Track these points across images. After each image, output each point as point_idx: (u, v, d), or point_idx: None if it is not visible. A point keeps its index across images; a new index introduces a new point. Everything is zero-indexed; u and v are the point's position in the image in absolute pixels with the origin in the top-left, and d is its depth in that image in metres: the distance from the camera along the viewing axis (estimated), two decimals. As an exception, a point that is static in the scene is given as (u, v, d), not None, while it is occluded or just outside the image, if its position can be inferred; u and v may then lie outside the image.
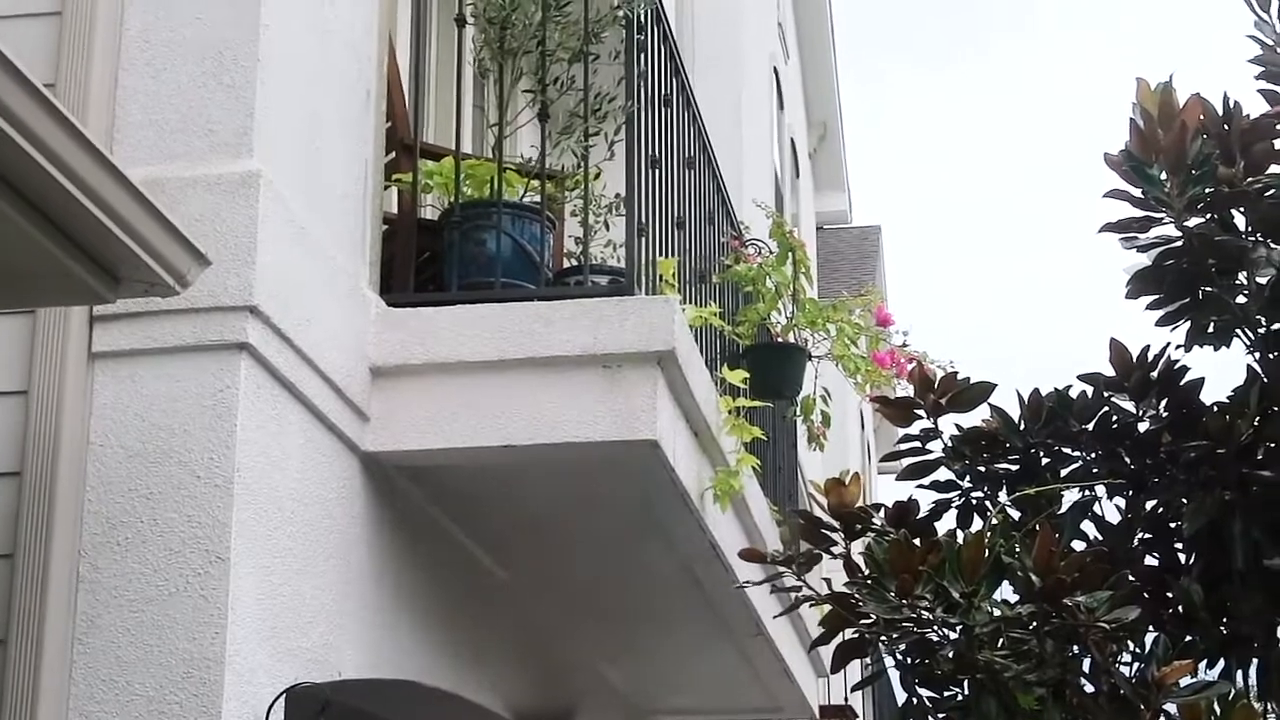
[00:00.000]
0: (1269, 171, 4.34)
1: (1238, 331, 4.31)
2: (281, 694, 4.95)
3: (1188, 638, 4.02)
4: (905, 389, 7.87)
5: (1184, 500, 4.24)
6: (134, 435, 4.87)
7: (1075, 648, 3.75)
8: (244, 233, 4.88)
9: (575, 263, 6.50)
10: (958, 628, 3.65)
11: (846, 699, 14.77)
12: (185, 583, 4.73)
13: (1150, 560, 4.26)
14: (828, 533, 4.53)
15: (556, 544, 6.76)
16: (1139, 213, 4.21)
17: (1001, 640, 3.61)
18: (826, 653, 4.90)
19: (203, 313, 4.90)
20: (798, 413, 7.94)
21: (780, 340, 7.75)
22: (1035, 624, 3.62)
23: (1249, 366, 4.41)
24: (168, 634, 4.70)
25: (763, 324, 7.67)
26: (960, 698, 3.92)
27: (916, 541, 3.74)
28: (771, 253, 7.81)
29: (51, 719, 4.61)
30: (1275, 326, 4.26)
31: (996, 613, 3.59)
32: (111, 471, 4.85)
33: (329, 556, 5.42)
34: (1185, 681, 3.56)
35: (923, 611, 3.65)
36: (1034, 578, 3.57)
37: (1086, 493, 4.21)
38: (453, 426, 5.64)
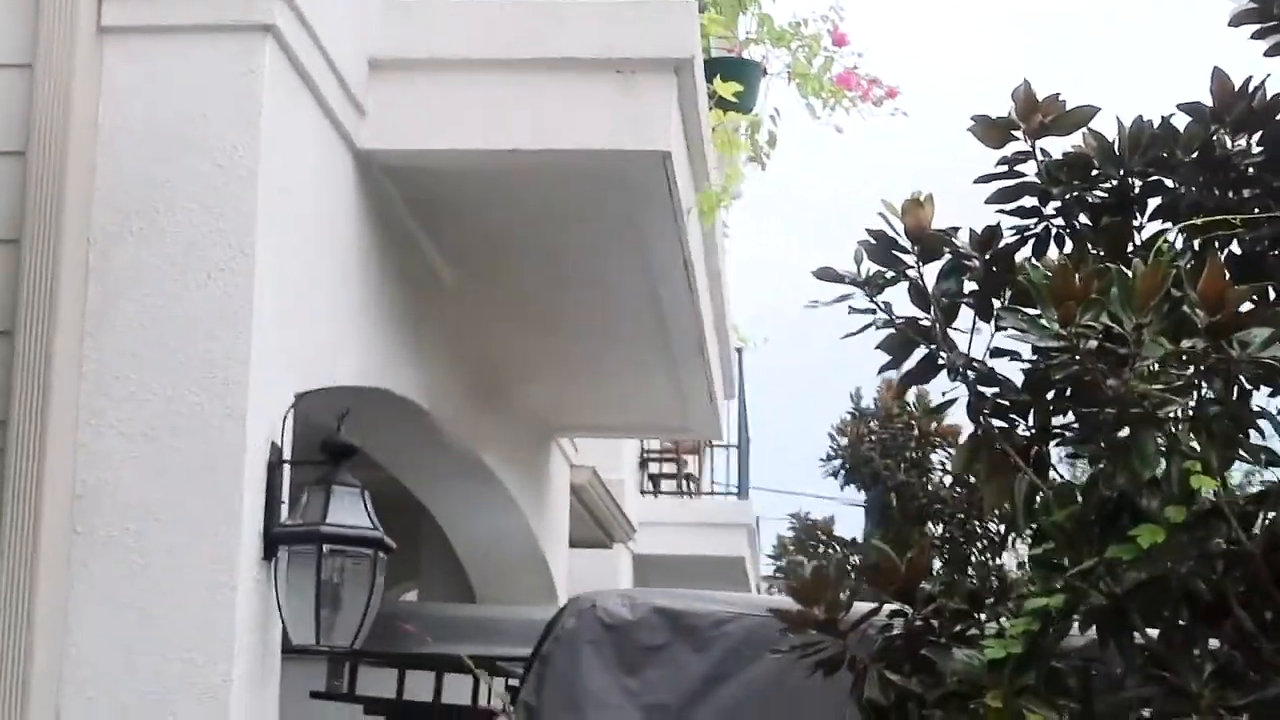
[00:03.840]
0: None
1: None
2: (298, 399, 4.73)
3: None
4: (865, 112, 7.74)
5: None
6: (148, 119, 4.54)
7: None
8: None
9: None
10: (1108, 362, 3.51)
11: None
12: (207, 277, 4.46)
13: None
14: (899, 255, 4.37)
15: (521, 255, 6.53)
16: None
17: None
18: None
19: (227, -10, 4.56)
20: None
21: (735, 54, 7.51)
22: (1197, 360, 3.51)
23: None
24: (187, 331, 4.43)
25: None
26: (1099, 437, 3.81)
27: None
28: (732, -36, 7.52)
29: (61, 419, 4.33)
30: None
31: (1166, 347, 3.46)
32: (124, 157, 4.52)
33: (329, 258, 5.17)
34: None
35: (1085, 342, 3.51)
36: (1199, 312, 3.45)
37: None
38: (454, 126, 5.36)
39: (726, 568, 14.09)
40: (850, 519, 14.59)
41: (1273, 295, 4.00)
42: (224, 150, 4.50)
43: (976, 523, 12.76)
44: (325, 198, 5.12)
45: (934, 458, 13.22)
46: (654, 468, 15.94)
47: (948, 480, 13.08)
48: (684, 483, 16.41)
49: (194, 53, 4.56)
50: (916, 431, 13.15)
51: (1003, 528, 12.86)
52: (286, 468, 4.61)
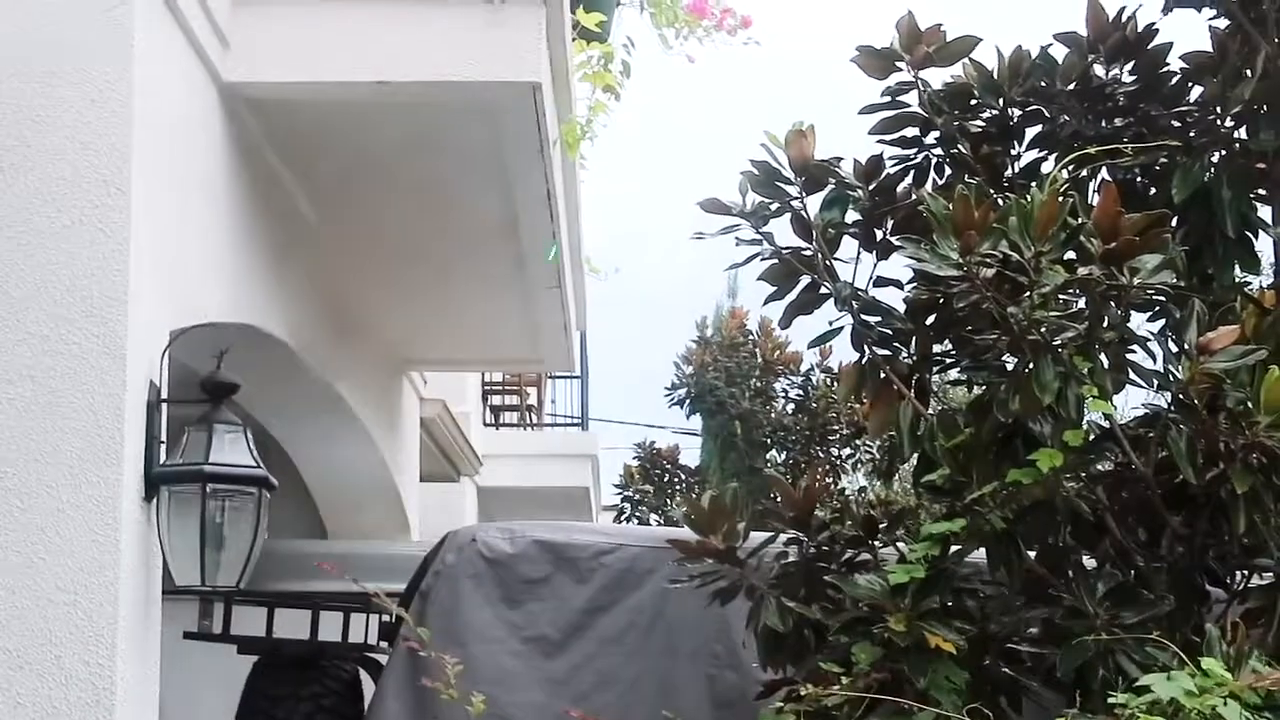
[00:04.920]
0: None
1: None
2: (173, 338, 4.65)
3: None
4: (719, 41, 7.73)
5: (1159, 166, 4.23)
6: (19, 51, 4.42)
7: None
8: None
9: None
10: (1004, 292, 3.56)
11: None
12: (82, 215, 4.36)
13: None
14: (783, 186, 4.40)
15: (383, 188, 6.46)
16: None
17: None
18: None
19: (89, -84, 4.44)
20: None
21: (588, -17, 7.45)
22: (1092, 287, 3.57)
23: (1211, 29, 4.39)
24: (63, 270, 4.33)
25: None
26: (983, 362, 3.87)
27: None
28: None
29: (-66, 359, 4.22)
30: None
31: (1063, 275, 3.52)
32: (-7, 89, 4.39)
33: (198, 194, 5.08)
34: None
35: (983, 270, 3.55)
36: (1094, 240, 3.51)
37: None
38: (322, 59, 5.28)
39: (570, 498, 14.11)
40: (692, 449, 14.65)
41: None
42: (96, 85, 4.40)
43: (818, 449, 12.89)
44: (193, 133, 5.03)
45: (777, 385, 13.33)
46: (496, 399, 15.90)
47: (790, 408, 13.19)
48: (526, 414, 16.39)
49: (64, -15, 4.45)
50: (760, 359, 13.24)
51: (843, 453, 13.05)
52: (165, 406, 4.53)
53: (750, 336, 13.50)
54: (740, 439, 13.09)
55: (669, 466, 14.29)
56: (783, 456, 13.11)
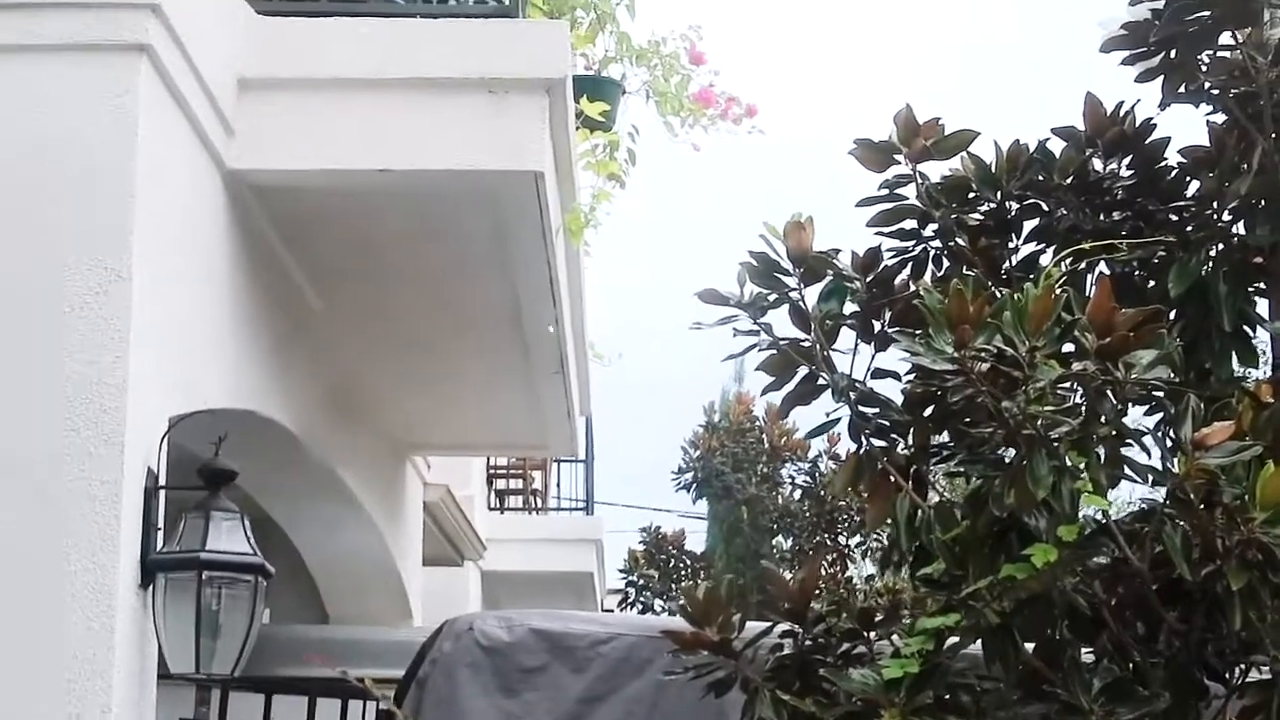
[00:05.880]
0: None
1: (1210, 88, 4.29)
2: (172, 424, 4.66)
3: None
4: (724, 130, 7.78)
5: (1156, 260, 4.24)
6: (22, 140, 4.46)
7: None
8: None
9: (433, -21, 6.12)
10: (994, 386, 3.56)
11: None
12: (83, 300, 4.38)
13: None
14: (781, 277, 4.41)
15: (386, 274, 6.49)
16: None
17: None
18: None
19: (97, 8, 4.49)
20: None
21: (595, 73, 7.51)
22: (1087, 382, 3.57)
23: (1209, 124, 4.41)
24: (63, 355, 4.35)
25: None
26: (977, 456, 3.87)
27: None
28: (593, -19, 7.51)
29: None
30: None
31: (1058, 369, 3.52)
32: (-4, 177, 4.43)
33: (199, 280, 5.11)
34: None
35: (978, 364, 3.56)
36: (1089, 335, 3.51)
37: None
38: (326, 146, 5.32)
39: (574, 583, 14.10)
40: (697, 533, 14.64)
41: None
42: (99, 172, 4.44)
43: (825, 536, 12.87)
44: (196, 218, 5.06)
45: (784, 471, 13.33)
46: (500, 483, 15.90)
47: (797, 494, 13.18)
48: (531, 498, 16.39)
49: (69, 72, 4.50)
50: (768, 445, 13.25)
51: (851, 541, 13.02)
52: (162, 493, 4.54)
53: (757, 422, 13.52)
54: (746, 524, 13.09)
55: (674, 551, 14.28)
56: (789, 543, 13.10)
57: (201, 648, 4.48)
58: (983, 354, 3.57)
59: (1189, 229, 4.30)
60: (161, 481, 4.55)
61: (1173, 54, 4.32)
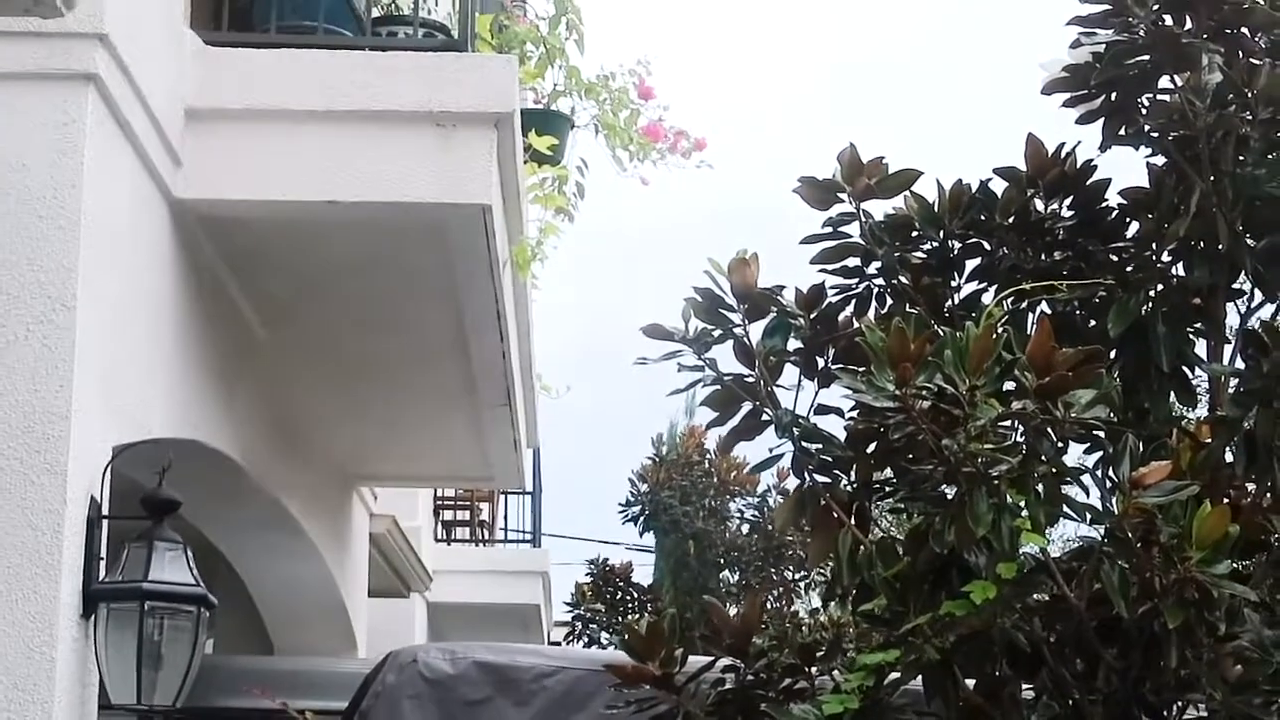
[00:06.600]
0: None
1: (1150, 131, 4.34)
2: (116, 454, 4.65)
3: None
4: (674, 164, 7.80)
5: (1096, 300, 4.29)
6: (-35, 167, 4.44)
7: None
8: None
9: (383, 11, 6.14)
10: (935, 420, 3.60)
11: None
12: (27, 330, 4.38)
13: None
14: (726, 313, 4.43)
15: (332, 305, 6.49)
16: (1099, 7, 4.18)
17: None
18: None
19: (46, 38, 4.49)
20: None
21: (543, 106, 7.52)
22: (1026, 420, 3.61)
23: (1149, 166, 4.46)
24: (5, 384, 4.34)
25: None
26: (916, 492, 3.90)
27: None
28: (542, 18, 7.54)
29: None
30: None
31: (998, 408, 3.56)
32: (-61, 205, 4.41)
33: (145, 309, 5.10)
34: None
35: (919, 402, 3.59)
36: (1029, 375, 3.55)
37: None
38: (273, 177, 5.32)
39: (522, 615, 14.05)
40: (646, 565, 14.65)
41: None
42: (44, 200, 4.43)
43: (772, 570, 12.90)
44: (142, 248, 5.05)
45: (733, 505, 13.36)
46: (448, 514, 15.87)
47: (744, 528, 13.21)
48: (478, 530, 16.36)
49: (14, 101, 4.49)
50: (716, 479, 13.27)
51: (797, 575, 13.04)
52: (105, 523, 4.53)
53: (707, 456, 13.54)
54: (694, 558, 13.09)
55: (621, 584, 14.27)
56: (736, 577, 13.12)
57: (143, 679, 4.46)
58: (924, 392, 3.61)
59: (1129, 270, 4.35)
60: (105, 511, 4.54)
61: (1113, 97, 4.37)
